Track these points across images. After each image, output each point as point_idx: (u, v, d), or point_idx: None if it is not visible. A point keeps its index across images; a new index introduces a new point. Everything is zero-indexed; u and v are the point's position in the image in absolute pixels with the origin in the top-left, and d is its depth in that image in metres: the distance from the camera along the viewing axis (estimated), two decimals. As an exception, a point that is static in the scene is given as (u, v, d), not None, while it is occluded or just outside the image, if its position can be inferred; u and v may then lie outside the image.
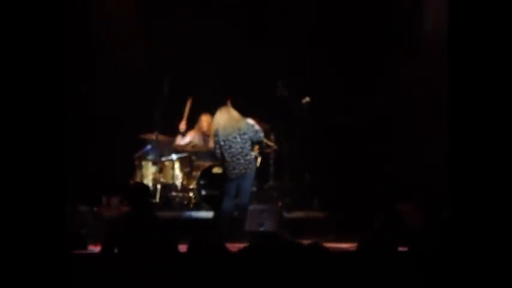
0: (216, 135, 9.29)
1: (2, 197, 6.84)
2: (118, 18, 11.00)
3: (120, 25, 11.00)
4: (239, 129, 9.24)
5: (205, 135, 10.61)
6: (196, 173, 10.28)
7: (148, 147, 10.56)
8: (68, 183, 7.45)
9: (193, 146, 10.58)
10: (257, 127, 9.40)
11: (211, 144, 9.93)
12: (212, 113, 9.75)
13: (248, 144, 9.29)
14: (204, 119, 10.58)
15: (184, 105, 10.57)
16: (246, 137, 9.26)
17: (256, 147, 9.92)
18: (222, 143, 9.22)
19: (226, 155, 9.24)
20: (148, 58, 11.02)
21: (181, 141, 10.66)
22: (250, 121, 9.41)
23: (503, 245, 6.62)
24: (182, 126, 10.59)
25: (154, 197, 10.27)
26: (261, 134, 9.49)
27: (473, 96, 7.39)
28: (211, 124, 9.56)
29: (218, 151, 9.29)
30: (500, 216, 7.09)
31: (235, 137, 9.22)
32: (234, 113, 9.28)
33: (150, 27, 11.11)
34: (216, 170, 10.13)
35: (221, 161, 9.40)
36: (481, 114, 7.36)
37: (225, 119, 9.25)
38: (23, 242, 6.55)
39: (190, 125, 10.73)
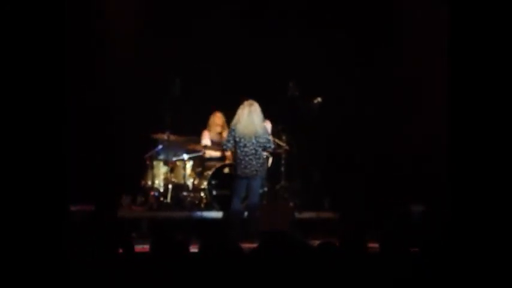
0: (233, 129, 9.30)
1: (3, 196, 6.86)
2: (126, 16, 11.00)
3: (130, 24, 10.99)
4: (256, 132, 9.25)
5: (219, 133, 10.60)
6: (208, 173, 10.29)
7: (160, 147, 10.57)
8: (69, 184, 7.46)
9: (205, 146, 10.57)
10: (270, 137, 9.47)
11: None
12: (223, 110, 9.81)
13: (261, 148, 9.32)
14: (217, 116, 10.59)
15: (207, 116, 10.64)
16: (261, 140, 9.29)
17: (267, 147, 9.94)
18: (237, 139, 9.25)
19: (239, 152, 9.26)
20: (158, 58, 11.02)
21: (204, 142, 10.65)
22: (268, 125, 9.44)
23: (503, 243, 6.61)
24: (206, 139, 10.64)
25: (166, 197, 10.29)
26: (272, 145, 9.53)
27: (473, 95, 7.39)
28: (236, 115, 9.45)
29: (230, 145, 9.32)
30: (501, 214, 7.08)
31: (250, 137, 9.25)
32: (257, 115, 9.26)
33: (160, 27, 11.10)
34: (228, 170, 10.14)
35: (229, 155, 9.44)
36: (481, 114, 7.35)
37: (248, 119, 9.23)
38: (23, 242, 6.56)
39: (203, 124, 10.74)
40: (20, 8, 7.08)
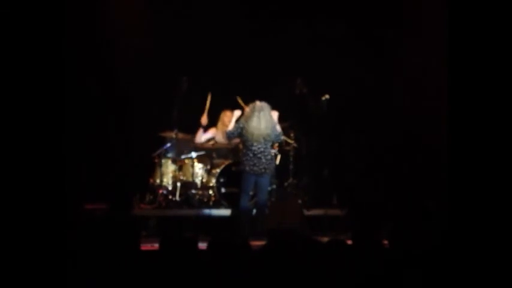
0: (241, 127, 9.28)
1: (4, 196, 6.87)
2: (134, 15, 11.00)
3: (137, 22, 11.00)
4: (265, 136, 9.24)
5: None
6: (216, 171, 10.29)
7: (168, 145, 10.58)
8: (67, 183, 7.47)
9: (213, 144, 10.59)
10: (279, 129, 9.43)
11: (234, 141, 10.02)
12: (233, 109, 9.81)
13: (270, 145, 9.34)
14: (227, 115, 10.59)
15: (204, 101, 10.55)
16: (269, 138, 9.30)
17: (276, 145, 9.94)
18: (244, 138, 9.25)
19: (247, 150, 9.25)
20: (166, 56, 11.02)
21: (203, 136, 10.65)
22: (275, 114, 9.40)
23: (502, 243, 6.59)
24: (204, 120, 10.54)
25: (174, 195, 10.30)
26: (282, 137, 9.54)
27: (472, 96, 7.36)
28: (245, 113, 9.45)
29: (233, 136, 9.37)
30: (500, 215, 7.06)
31: (259, 138, 9.23)
32: (266, 120, 9.21)
33: (167, 24, 11.10)
34: (236, 167, 10.14)
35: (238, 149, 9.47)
36: (480, 115, 7.33)
37: (257, 123, 9.19)
38: (25, 241, 6.56)
39: (212, 122, 10.74)
40: (21, 9, 7.09)
